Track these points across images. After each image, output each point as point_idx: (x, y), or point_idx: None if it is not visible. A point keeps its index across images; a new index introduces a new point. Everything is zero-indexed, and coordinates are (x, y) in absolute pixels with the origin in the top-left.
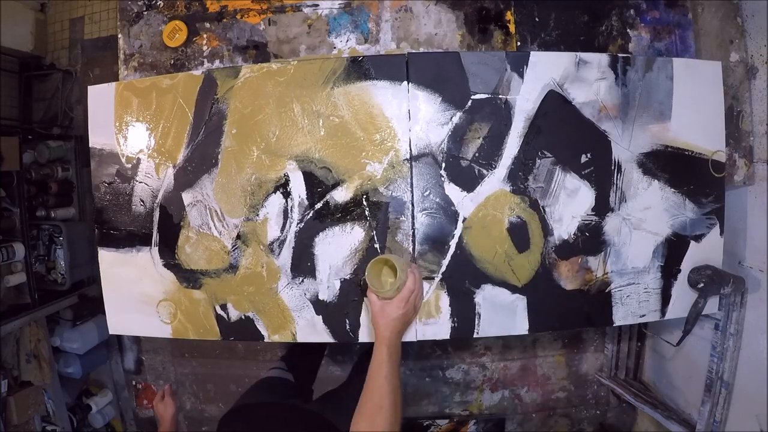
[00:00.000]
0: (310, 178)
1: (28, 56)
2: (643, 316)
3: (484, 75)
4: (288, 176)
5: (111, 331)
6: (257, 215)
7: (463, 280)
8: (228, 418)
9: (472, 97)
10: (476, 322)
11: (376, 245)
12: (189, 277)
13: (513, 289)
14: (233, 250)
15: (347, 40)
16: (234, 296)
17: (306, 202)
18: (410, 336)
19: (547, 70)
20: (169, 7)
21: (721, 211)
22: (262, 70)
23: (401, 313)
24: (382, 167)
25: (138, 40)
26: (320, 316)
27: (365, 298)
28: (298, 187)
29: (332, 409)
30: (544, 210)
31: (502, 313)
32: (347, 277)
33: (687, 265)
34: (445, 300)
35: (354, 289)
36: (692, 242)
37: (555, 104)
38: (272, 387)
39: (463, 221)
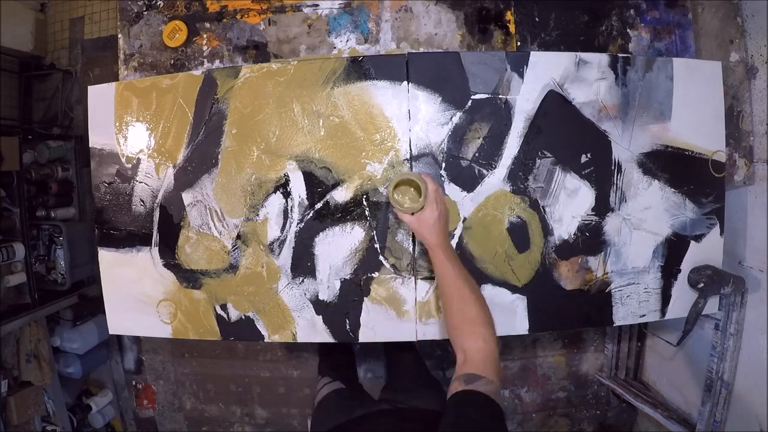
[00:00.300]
0: (310, 178)
1: (28, 56)
2: (643, 316)
3: (484, 75)
4: (288, 176)
5: (111, 331)
6: (257, 215)
7: None
8: None
9: (472, 97)
10: None
11: (376, 245)
12: (189, 277)
13: (513, 289)
14: (233, 250)
15: (347, 40)
16: (234, 296)
17: (306, 202)
18: (410, 336)
19: (547, 70)
20: (169, 7)
21: (721, 211)
22: (262, 70)
23: (437, 215)
24: (382, 167)
25: (138, 40)
26: (320, 316)
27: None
28: (298, 187)
29: (405, 395)
30: (544, 210)
31: (502, 313)
32: (347, 277)
33: (687, 265)
34: None
35: (354, 289)
36: (692, 242)
37: (555, 104)
38: (335, 406)
39: (463, 221)
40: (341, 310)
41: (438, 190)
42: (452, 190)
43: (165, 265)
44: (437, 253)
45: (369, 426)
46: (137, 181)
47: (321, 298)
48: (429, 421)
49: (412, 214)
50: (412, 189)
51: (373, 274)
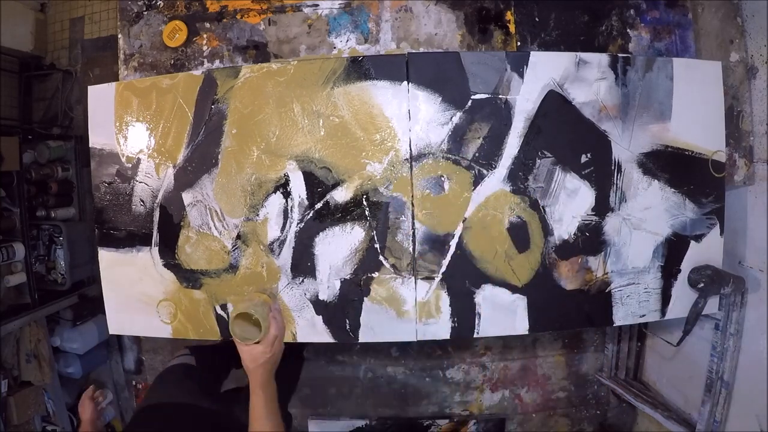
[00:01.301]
0: (310, 178)
1: (28, 56)
2: (643, 316)
3: (484, 75)
4: (288, 176)
5: (111, 331)
6: (257, 215)
7: (463, 280)
8: (140, 417)
9: (472, 97)
10: (476, 322)
11: (376, 245)
12: (189, 277)
13: (513, 289)
14: (233, 250)
15: (347, 40)
16: (234, 296)
17: (306, 202)
18: (410, 336)
19: (547, 70)
20: (169, 7)
21: (721, 211)
22: (262, 70)
23: (269, 356)
24: (382, 167)
25: (138, 40)
26: (320, 316)
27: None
28: (298, 187)
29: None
30: (544, 210)
31: (502, 313)
32: (347, 277)
33: (687, 265)
34: (445, 300)
35: (354, 289)
36: (692, 242)
37: (555, 104)
38: (180, 381)
39: (463, 221)
40: (341, 310)
41: (279, 338)
42: (453, 190)
43: (165, 265)
44: (258, 393)
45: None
46: (137, 181)
47: (321, 298)
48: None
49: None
50: (252, 321)
51: (373, 274)
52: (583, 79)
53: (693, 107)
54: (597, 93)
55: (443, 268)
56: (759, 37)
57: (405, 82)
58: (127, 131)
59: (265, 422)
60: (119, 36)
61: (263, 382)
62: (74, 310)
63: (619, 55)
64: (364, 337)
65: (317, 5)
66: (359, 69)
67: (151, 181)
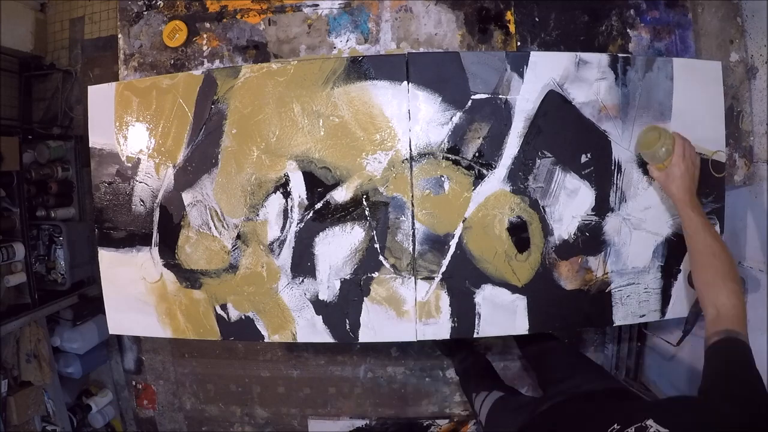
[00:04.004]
0: (310, 178)
1: (28, 56)
2: (643, 316)
3: (484, 75)
4: (288, 176)
5: (111, 331)
6: (257, 215)
7: (463, 280)
8: None
9: (472, 97)
10: (476, 322)
11: (376, 245)
12: (189, 277)
13: (513, 289)
14: (233, 250)
15: (347, 40)
16: (234, 296)
17: (306, 202)
18: (410, 336)
19: (547, 70)
20: (169, 7)
21: (721, 211)
22: (262, 70)
23: (684, 169)
24: (382, 167)
25: (138, 40)
26: (320, 316)
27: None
28: (298, 187)
29: (568, 383)
30: (544, 210)
31: (502, 313)
32: (347, 277)
33: (687, 265)
34: (445, 300)
35: (354, 289)
36: None
37: (555, 104)
38: (510, 411)
39: (463, 221)
40: (341, 310)
41: (688, 147)
42: (453, 190)
43: (165, 265)
44: (686, 210)
45: (556, 416)
46: (137, 181)
47: (321, 298)
48: (610, 399)
49: (658, 169)
50: (663, 146)
51: (373, 274)
52: (583, 79)
53: (693, 107)
54: (597, 93)
55: (443, 268)
56: (759, 37)
57: (405, 82)
58: (127, 131)
59: (704, 234)
60: (119, 36)
61: (687, 199)
62: (74, 310)
63: (619, 55)
64: (364, 337)
65: (317, 5)
66: (359, 69)
67: (151, 181)
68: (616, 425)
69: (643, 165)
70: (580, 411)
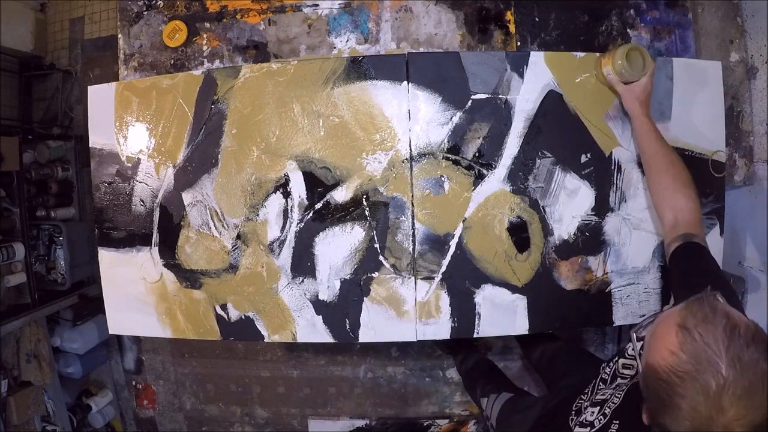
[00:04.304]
0: (310, 178)
1: (28, 56)
2: (643, 316)
3: (484, 75)
4: (288, 176)
5: (111, 331)
6: (257, 215)
7: (463, 280)
8: None
9: (472, 97)
10: (476, 322)
11: (376, 245)
12: (189, 277)
13: (513, 289)
14: (233, 250)
15: (347, 40)
16: (234, 296)
17: (306, 202)
18: (410, 336)
19: (547, 70)
20: (169, 7)
21: (721, 211)
22: (262, 70)
23: (647, 85)
24: (382, 167)
25: (138, 40)
26: (320, 316)
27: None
28: (298, 187)
29: (572, 378)
30: (544, 210)
31: (502, 313)
32: (347, 277)
33: None
34: (445, 300)
35: (354, 289)
36: None
37: (555, 104)
38: (521, 411)
39: (463, 221)
40: (341, 310)
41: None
42: (453, 190)
43: (165, 265)
44: (643, 120)
45: (565, 408)
46: (137, 180)
47: (321, 298)
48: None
49: (625, 83)
50: (632, 60)
51: (373, 274)
52: None
53: (693, 107)
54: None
55: (443, 268)
56: (759, 37)
57: (405, 82)
58: (127, 131)
59: (660, 143)
60: (119, 36)
61: (646, 111)
62: (74, 310)
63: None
64: (364, 337)
65: (317, 5)
66: (359, 69)
67: (151, 181)
68: (603, 363)
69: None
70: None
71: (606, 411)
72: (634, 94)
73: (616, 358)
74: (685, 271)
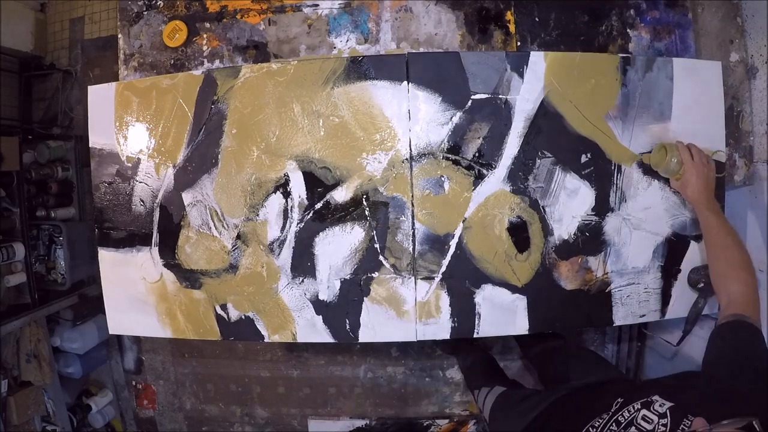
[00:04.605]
0: (310, 178)
1: (28, 56)
2: (643, 316)
3: (484, 75)
4: (288, 176)
5: (111, 331)
6: (257, 215)
7: (463, 280)
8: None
9: (472, 97)
10: (476, 322)
11: (376, 245)
12: (189, 277)
13: (513, 289)
14: (233, 250)
15: (347, 40)
16: (234, 296)
17: (306, 202)
18: (410, 336)
19: (547, 70)
20: (169, 7)
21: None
22: (262, 70)
23: (696, 173)
24: (382, 167)
25: (138, 40)
26: (320, 316)
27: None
28: (298, 187)
29: (572, 376)
30: (544, 210)
31: (502, 313)
32: (347, 277)
33: (687, 265)
34: (445, 300)
35: (354, 289)
36: (692, 242)
37: (555, 104)
38: (515, 406)
39: (463, 221)
40: (341, 310)
41: (695, 152)
42: (453, 190)
43: (165, 265)
44: (700, 209)
45: (565, 404)
46: (137, 181)
47: (321, 298)
48: (617, 389)
49: (677, 179)
50: (672, 157)
51: (373, 274)
52: None
53: (693, 107)
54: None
55: (443, 268)
56: (759, 37)
57: (405, 82)
58: (127, 131)
59: (725, 238)
60: (119, 36)
61: (704, 202)
62: (74, 310)
63: (620, 55)
64: (364, 337)
65: (317, 5)
66: (359, 69)
67: (151, 181)
68: (620, 398)
69: (642, 165)
70: (586, 395)
71: None
72: (687, 185)
73: (638, 407)
74: (729, 348)
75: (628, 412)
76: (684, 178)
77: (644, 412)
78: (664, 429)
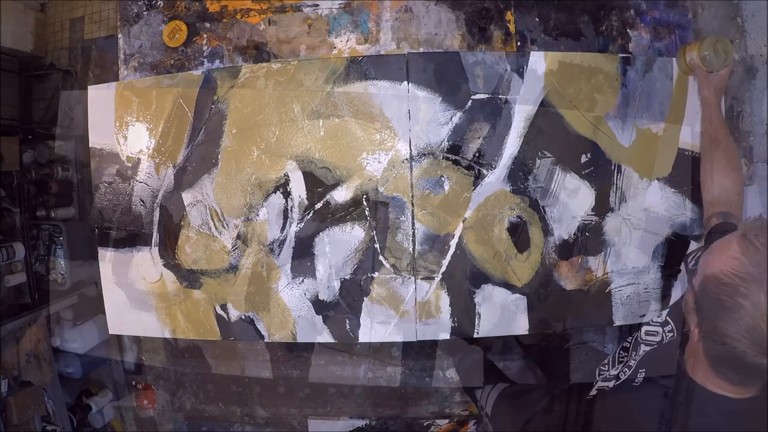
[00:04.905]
0: (310, 178)
1: (28, 56)
2: (643, 316)
3: (484, 75)
4: (288, 176)
5: (111, 331)
6: (257, 215)
7: (463, 280)
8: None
9: (472, 97)
10: (476, 322)
11: (376, 245)
12: (189, 277)
13: (513, 289)
14: (233, 250)
15: (347, 40)
16: (234, 296)
17: (306, 202)
18: (410, 336)
19: (547, 70)
20: (169, 7)
21: None
22: (262, 70)
23: (724, 78)
24: (382, 167)
25: (138, 40)
26: (320, 316)
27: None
28: (298, 187)
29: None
30: (544, 210)
31: (502, 313)
32: (347, 277)
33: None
34: (445, 300)
35: (354, 289)
36: (692, 242)
37: (555, 104)
38: (517, 400)
39: (463, 221)
40: (341, 310)
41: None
42: (453, 190)
43: (165, 265)
44: (712, 108)
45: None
46: (137, 181)
47: (321, 298)
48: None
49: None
50: (718, 51)
51: (373, 274)
52: None
53: (693, 107)
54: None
55: (443, 268)
56: (759, 37)
57: (405, 82)
58: (127, 131)
59: (722, 129)
60: (119, 36)
61: (718, 101)
62: (74, 310)
63: (620, 55)
64: (364, 337)
65: (317, 5)
66: (359, 69)
67: (151, 181)
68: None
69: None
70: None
71: (631, 363)
72: (713, 82)
73: (637, 329)
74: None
75: (631, 336)
76: (713, 76)
77: (645, 328)
78: (672, 335)
